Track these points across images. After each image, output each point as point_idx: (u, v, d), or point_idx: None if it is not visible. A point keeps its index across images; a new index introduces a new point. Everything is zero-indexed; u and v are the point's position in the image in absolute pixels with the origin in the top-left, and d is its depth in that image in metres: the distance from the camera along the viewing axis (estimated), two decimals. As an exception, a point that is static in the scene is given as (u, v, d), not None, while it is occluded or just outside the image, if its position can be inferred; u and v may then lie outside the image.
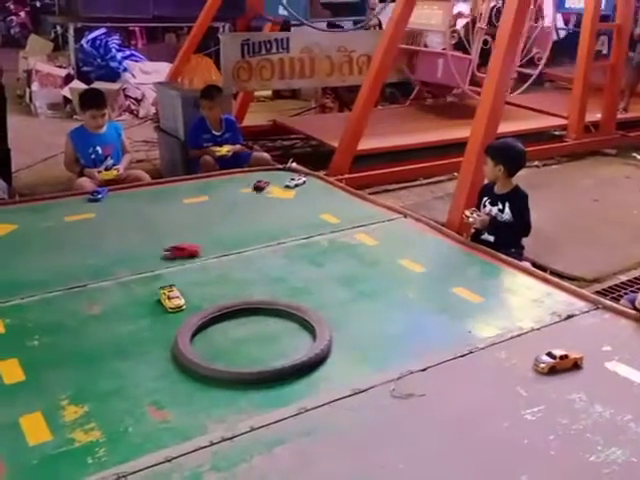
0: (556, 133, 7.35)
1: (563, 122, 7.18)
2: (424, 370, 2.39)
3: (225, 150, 5.01)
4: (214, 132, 5.18)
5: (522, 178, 3.88)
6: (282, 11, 5.96)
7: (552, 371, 2.36)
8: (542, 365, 2.37)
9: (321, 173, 5.07)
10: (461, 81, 6.70)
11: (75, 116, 7.54)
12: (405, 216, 3.98)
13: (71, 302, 2.88)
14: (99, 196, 4.09)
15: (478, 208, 3.75)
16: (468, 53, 6.71)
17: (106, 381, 2.31)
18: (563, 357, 2.39)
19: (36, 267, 3.20)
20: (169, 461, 1.89)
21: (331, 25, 6.53)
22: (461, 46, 6.85)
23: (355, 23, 6.92)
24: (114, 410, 2.15)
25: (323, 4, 6.14)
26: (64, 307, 2.84)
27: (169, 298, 2.84)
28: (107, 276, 3.11)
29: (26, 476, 1.86)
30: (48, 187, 5.34)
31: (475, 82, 6.56)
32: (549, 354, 2.39)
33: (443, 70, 7.06)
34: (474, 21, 6.85)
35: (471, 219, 3.60)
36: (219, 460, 1.91)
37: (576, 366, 2.41)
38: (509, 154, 3.70)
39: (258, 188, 4.34)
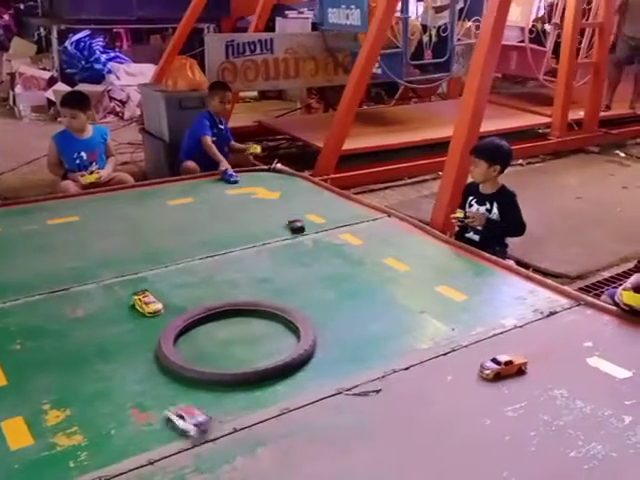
0: (540, 131, 7.40)
1: (546, 120, 7.23)
2: (407, 369, 2.40)
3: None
4: (220, 126, 5.16)
5: (506, 177, 3.91)
6: (376, 69, 6.24)
7: (497, 377, 2.31)
8: (487, 372, 2.31)
9: (306, 173, 5.08)
10: (537, 71, 7.38)
11: (59, 119, 7.46)
12: (389, 215, 4.00)
13: (54, 305, 2.87)
14: (232, 178, 4.48)
15: (462, 208, 3.76)
16: (542, 46, 7.42)
17: (89, 384, 2.31)
18: (508, 363, 2.32)
19: (19, 271, 3.19)
20: (152, 464, 1.89)
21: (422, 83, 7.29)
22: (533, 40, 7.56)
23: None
24: (97, 413, 2.14)
25: (414, 65, 6.71)
26: (47, 311, 2.83)
27: (145, 304, 2.81)
28: (91, 279, 3.09)
29: (8, 481, 1.86)
30: (32, 190, 5.30)
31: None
32: (494, 360, 2.33)
33: (517, 62, 7.83)
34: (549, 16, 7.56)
35: (469, 215, 3.58)
36: (202, 462, 1.91)
37: (520, 371, 2.34)
38: (503, 153, 3.73)
39: (296, 229, 3.70)
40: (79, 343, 2.58)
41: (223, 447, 1.98)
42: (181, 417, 2.03)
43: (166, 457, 1.92)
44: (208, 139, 4.99)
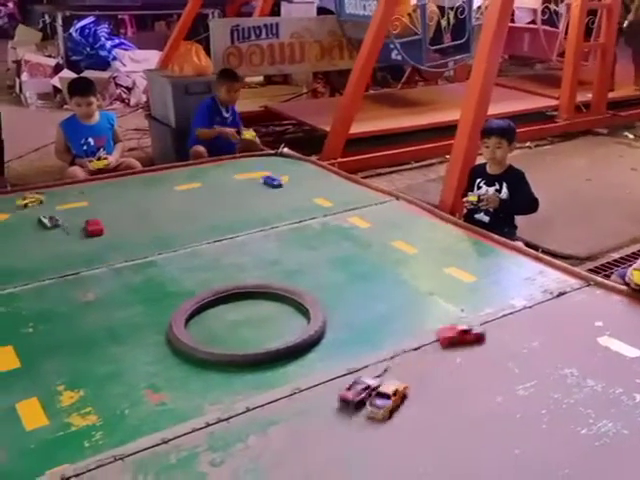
0: (548, 114, 7.35)
1: (554, 103, 7.18)
2: (417, 349, 2.41)
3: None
4: (224, 114, 5.15)
5: (514, 159, 3.90)
6: (396, 56, 6.19)
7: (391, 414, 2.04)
8: (380, 412, 2.02)
9: (314, 158, 5.07)
10: (550, 53, 7.40)
11: (65, 106, 7.48)
12: (397, 198, 3.99)
13: (65, 290, 2.89)
14: (275, 182, 4.15)
15: (470, 190, 3.76)
16: (554, 27, 7.41)
17: (101, 366, 2.33)
18: (395, 393, 2.07)
19: (29, 256, 3.20)
20: (166, 442, 1.91)
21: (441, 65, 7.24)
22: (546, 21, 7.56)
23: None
24: (110, 394, 2.16)
25: (434, 50, 6.69)
26: (58, 295, 2.85)
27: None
28: (100, 263, 3.11)
29: (25, 460, 1.88)
30: (40, 177, 5.32)
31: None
32: (379, 395, 2.06)
33: (530, 43, 7.85)
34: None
35: (482, 198, 3.57)
36: (215, 441, 1.93)
37: (405, 397, 2.10)
38: (515, 133, 3.77)
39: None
40: (90, 326, 2.60)
41: (236, 426, 1.99)
42: None
43: (179, 436, 1.94)
44: (202, 131, 5.01)
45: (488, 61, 4.29)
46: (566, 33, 7.29)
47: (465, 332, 2.43)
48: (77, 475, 1.78)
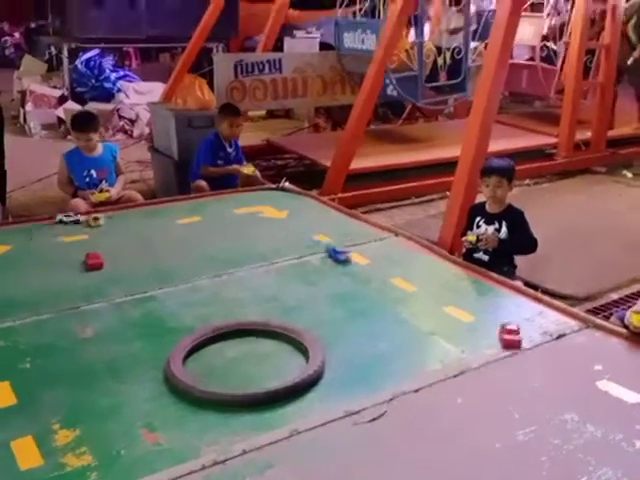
0: (547, 151, 7.42)
1: (553, 140, 7.25)
2: (417, 391, 2.39)
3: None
4: (227, 150, 5.19)
5: (513, 197, 3.92)
6: (392, 92, 6.32)
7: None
8: None
9: (314, 192, 5.11)
10: (548, 89, 7.43)
11: (69, 137, 7.56)
12: (397, 235, 4.01)
13: (64, 324, 2.88)
14: (341, 257, 3.58)
15: (470, 228, 3.77)
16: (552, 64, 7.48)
17: (99, 403, 2.31)
18: None
19: (29, 288, 3.20)
20: (162, 485, 1.89)
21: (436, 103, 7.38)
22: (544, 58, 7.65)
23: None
24: (106, 433, 2.14)
25: (430, 87, 6.81)
26: (57, 329, 2.84)
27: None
28: (100, 297, 3.11)
29: (17, 501, 1.85)
30: (42, 207, 5.35)
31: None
32: None
33: (528, 80, 7.92)
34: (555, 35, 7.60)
35: (481, 238, 3.58)
36: (212, 484, 1.91)
37: None
38: (514, 172, 3.79)
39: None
40: (88, 361, 2.58)
41: (232, 469, 1.97)
42: None
43: (175, 478, 1.91)
44: (207, 169, 5.08)
45: (488, 99, 4.35)
46: (562, 70, 7.43)
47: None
48: (71, 519, 1.76)
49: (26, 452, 2.03)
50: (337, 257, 3.62)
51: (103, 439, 2.11)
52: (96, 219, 4.03)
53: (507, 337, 2.72)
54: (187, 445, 2.09)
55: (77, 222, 3.96)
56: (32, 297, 3.10)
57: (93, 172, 4.66)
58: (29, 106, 8.64)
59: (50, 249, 3.71)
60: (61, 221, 3.88)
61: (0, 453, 2.03)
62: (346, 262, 3.56)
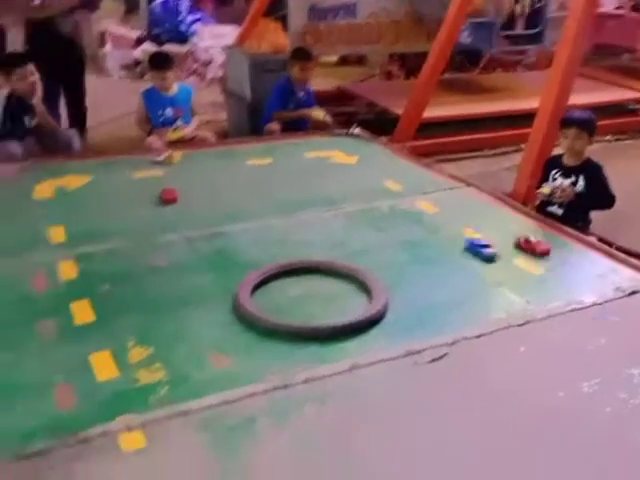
0: (630, 107, 7.05)
1: (638, 95, 6.87)
2: (478, 337, 2.39)
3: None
4: (299, 95, 5.19)
5: (592, 152, 3.76)
6: (465, 38, 6.16)
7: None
8: None
9: (385, 140, 5.05)
10: (637, 41, 7.20)
11: (145, 77, 7.71)
12: (468, 185, 3.94)
13: (140, 253, 3.00)
14: (486, 252, 2.98)
15: (545, 181, 3.66)
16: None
17: (170, 327, 2.42)
18: None
19: (107, 219, 3.35)
20: (228, 404, 1.98)
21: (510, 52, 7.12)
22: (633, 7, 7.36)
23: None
24: (177, 354, 2.26)
25: (504, 36, 6.56)
26: (133, 257, 2.97)
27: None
28: (174, 231, 3.22)
29: (94, 408, 1.99)
30: (118, 144, 5.52)
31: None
32: None
33: (615, 31, 7.58)
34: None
35: (555, 191, 3.48)
36: (274, 406, 1.99)
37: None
38: (596, 125, 3.65)
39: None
40: (161, 289, 2.71)
41: (295, 395, 2.05)
42: None
43: (241, 399, 2.00)
44: (279, 113, 5.08)
45: (572, 49, 4.15)
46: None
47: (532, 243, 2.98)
48: (143, 426, 1.88)
49: (103, 365, 2.17)
50: (479, 252, 2.99)
51: (174, 359, 2.22)
52: (171, 157, 4.14)
53: (535, 247, 2.96)
54: (252, 370, 2.17)
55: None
56: (110, 226, 3.25)
57: (168, 111, 4.75)
58: (108, 47, 8.82)
59: (128, 183, 3.84)
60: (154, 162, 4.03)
61: (79, 364, 2.17)
62: (491, 258, 2.96)
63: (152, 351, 2.25)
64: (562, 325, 2.50)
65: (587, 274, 2.97)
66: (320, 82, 7.46)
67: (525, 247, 3.06)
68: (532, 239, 3.06)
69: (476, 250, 3.00)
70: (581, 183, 3.52)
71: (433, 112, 5.80)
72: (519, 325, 2.48)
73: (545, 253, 3.03)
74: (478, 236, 3.13)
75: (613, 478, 1.75)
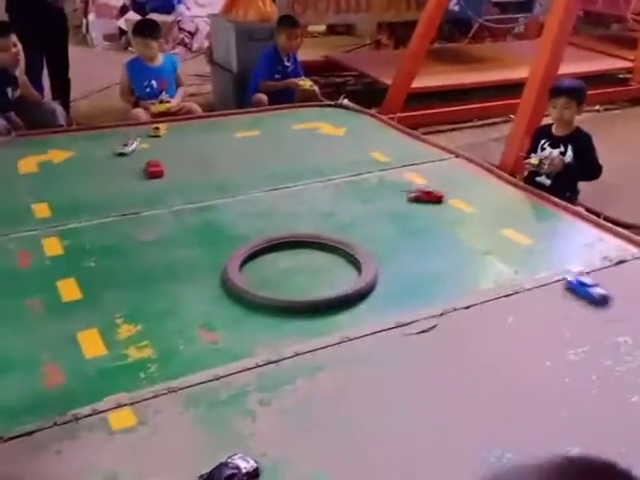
0: (620, 76, 7.02)
1: (628, 65, 6.84)
2: (467, 308, 2.40)
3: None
4: (285, 63, 5.12)
5: (581, 122, 3.75)
6: (453, 6, 6.01)
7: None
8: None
9: (373, 111, 5.01)
10: (625, 9, 6.92)
11: (130, 48, 7.57)
12: (457, 156, 3.92)
13: (126, 228, 2.98)
14: (595, 294, 2.44)
15: (534, 152, 3.65)
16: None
17: (159, 303, 2.41)
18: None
19: (92, 193, 3.31)
20: (217, 379, 1.98)
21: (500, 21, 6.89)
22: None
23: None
24: (166, 330, 2.25)
25: (493, 3, 6.41)
26: (119, 232, 2.94)
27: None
28: (161, 204, 3.19)
29: (83, 385, 1.98)
30: (103, 117, 5.43)
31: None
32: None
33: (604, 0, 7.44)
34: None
35: (544, 163, 3.45)
36: (264, 381, 1.99)
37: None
38: (585, 94, 3.61)
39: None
40: (149, 263, 2.69)
41: (285, 369, 2.05)
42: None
43: (231, 374, 2.00)
44: (265, 83, 5.00)
45: (563, 17, 4.11)
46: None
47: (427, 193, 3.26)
48: (133, 403, 1.88)
49: (91, 342, 2.16)
50: (587, 292, 2.45)
51: (163, 335, 2.22)
52: (157, 129, 4.06)
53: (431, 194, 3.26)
54: (242, 345, 2.18)
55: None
56: (95, 201, 3.21)
57: (154, 82, 4.67)
58: (91, 16, 8.63)
59: (112, 156, 3.79)
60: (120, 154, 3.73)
61: (67, 342, 2.16)
62: (603, 300, 2.42)
63: (141, 328, 2.24)
64: (550, 294, 2.51)
65: (575, 244, 2.99)
66: (309, 52, 7.34)
67: (424, 197, 3.31)
68: (425, 189, 3.34)
69: (583, 291, 2.47)
70: (569, 153, 3.50)
71: (422, 82, 5.74)
72: (507, 295, 2.49)
73: (440, 198, 3.30)
74: (583, 275, 2.54)
75: (601, 444, 1.77)
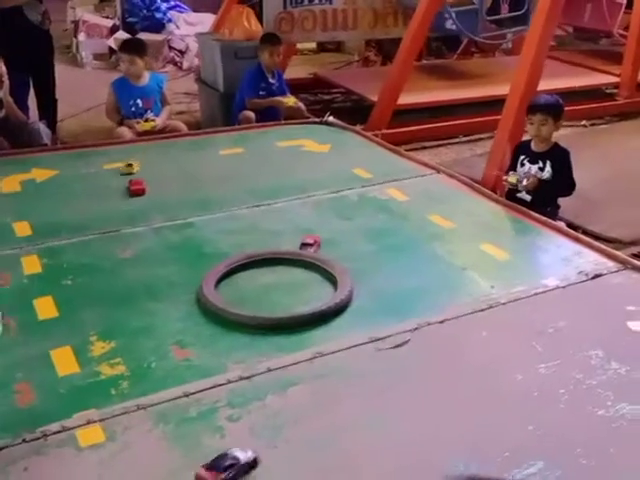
0: (607, 91, 7.08)
1: (615, 80, 6.90)
2: (442, 322, 2.41)
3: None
4: (270, 80, 5.16)
5: (566, 137, 3.80)
6: (450, 25, 6.10)
7: None
8: None
9: (359, 128, 5.05)
10: (612, 25, 7.01)
11: (119, 67, 7.62)
12: (439, 172, 3.95)
13: (106, 245, 2.99)
14: None
15: (514, 167, 3.68)
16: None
17: (134, 320, 2.42)
18: None
19: (73, 211, 3.32)
20: (187, 396, 1.99)
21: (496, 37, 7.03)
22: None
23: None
24: (139, 347, 2.26)
25: (489, 20, 6.50)
26: (99, 250, 2.95)
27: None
28: (142, 222, 3.20)
29: (53, 403, 1.99)
30: (91, 136, 5.46)
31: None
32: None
33: (591, 14, 7.53)
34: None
35: (521, 181, 3.49)
36: (235, 397, 2.00)
37: None
38: (562, 110, 3.65)
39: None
40: (127, 281, 2.70)
41: (256, 385, 2.06)
42: None
43: (201, 390, 2.01)
44: (253, 102, 5.05)
45: (542, 32, 4.16)
46: (629, 7, 6.94)
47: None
48: (102, 420, 1.88)
49: (64, 360, 2.17)
50: None
51: (136, 352, 2.22)
52: (130, 166, 3.79)
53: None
54: (215, 362, 2.18)
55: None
56: (76, 219, 3.22)
57: (139, 101, 4.71)
58: (81, 36, 8.70)
59: (96, 175, 3.81)
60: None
61: (40, 360, 2.17)
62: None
63: (114, 345, 2.25)
64: (525, 309, 2.52)
65: (552, 258, 3.00)
66: (298, 70, 7.43)
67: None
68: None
69: None
70: (548, 169, 3.54)
71: (408, 99, 5.79)
72: (482, 310, 2.51)
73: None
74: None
75: (563, 456, 1.78)
